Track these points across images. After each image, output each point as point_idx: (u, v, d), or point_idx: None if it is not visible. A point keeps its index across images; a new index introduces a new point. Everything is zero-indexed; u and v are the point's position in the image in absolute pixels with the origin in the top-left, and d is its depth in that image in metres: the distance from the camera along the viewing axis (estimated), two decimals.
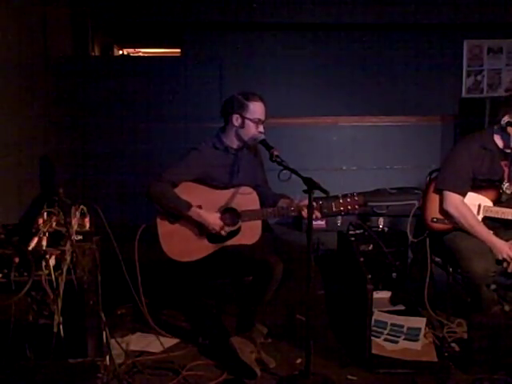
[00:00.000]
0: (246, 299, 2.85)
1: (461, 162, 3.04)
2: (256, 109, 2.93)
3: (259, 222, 2.93)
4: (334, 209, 2.82)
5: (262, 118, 2.95)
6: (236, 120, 2.95)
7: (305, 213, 2.83)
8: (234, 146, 3.02)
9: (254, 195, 2.95)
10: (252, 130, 2.94)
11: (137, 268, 2.83)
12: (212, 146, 3.00)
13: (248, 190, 2.95)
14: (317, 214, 2.80)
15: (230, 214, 2.92)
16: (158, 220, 2.92)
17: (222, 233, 2.88)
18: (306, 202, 2.65)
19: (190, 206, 2.86)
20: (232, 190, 2.95)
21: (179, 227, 2.91)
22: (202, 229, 2.91)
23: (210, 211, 2.89)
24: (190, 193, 2.89)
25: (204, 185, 2.95)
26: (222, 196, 2.94)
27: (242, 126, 2.94)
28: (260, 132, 2.94)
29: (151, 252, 2.88)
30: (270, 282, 2.74)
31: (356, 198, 2.80)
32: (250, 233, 2.92)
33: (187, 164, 2.94)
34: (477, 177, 3.05)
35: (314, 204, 2.63)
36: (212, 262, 2.92)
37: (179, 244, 2.90)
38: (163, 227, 2.91)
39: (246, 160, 3.08)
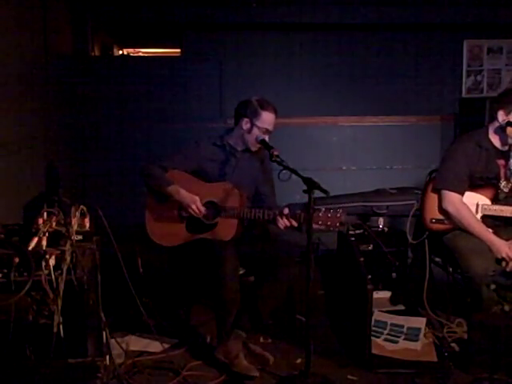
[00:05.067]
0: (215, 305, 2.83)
1: (458, 160, 3.05)
2: (267, 118, 2.94)
3: (235, 221, 2.92)
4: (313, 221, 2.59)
5: (270, 128, 2.96)
6: (245, 124, 2.96)
7: (280, 223, 2.78)
8: (239, 149, 3.03)
9: (236, 192, 2.94)
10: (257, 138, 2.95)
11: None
12: (211, 143, 3.04)
13: (230, 186, 2.94)
14: (292, 222, 2.77)
15: (212, 207, 2.93)
16: (147, 201, 2.99)
17: (199, 212, 2.85)
18: (285, 210, 2.71)
19: (171, 182, 2.90)
20: (216, 184, 2.96)
21: (163, 211, 2.97)
22: (181, 215, 2.95)
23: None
24: (177, 180, 2.93)
25: (193, 176, 2.98)
26: (208, 188, 2.95)
27: (250, 131, 2.96)
28: None
29: (151, 252, 2.87)
30: (221, 280, 2.70)
31: (338, 215, 2.71)
32: (225, 230, 2.92)
33: (182, 154, 3.01)
34: (473, 174, 3.05)
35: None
36: (188, 252, 2.95)
37: (161, 227, 2.96)
38: (149, 210, 2.99)
39: (245, 162, 3.07)
